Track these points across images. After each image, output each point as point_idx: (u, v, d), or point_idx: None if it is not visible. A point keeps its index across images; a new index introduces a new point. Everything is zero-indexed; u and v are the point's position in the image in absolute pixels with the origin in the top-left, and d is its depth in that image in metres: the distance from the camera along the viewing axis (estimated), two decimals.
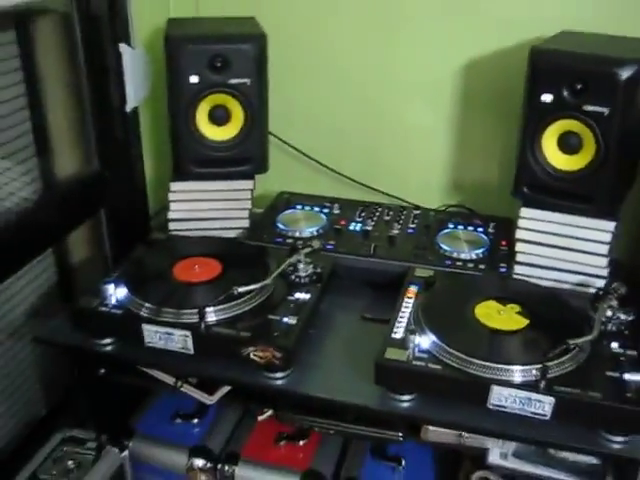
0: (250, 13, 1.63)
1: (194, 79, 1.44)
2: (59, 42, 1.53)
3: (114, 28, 1.51)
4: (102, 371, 1.45)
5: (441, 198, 1.79)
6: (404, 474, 1.50)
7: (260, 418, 1.38)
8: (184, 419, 1.61)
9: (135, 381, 1.44)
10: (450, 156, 1.76)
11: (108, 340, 1.33)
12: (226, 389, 1.39)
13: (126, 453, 1.51)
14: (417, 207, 1.71)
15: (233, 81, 1.46)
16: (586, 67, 1.28)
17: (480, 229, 1.60)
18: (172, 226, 1.60)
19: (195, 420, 1.60)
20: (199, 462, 1.51)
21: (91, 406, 1.54)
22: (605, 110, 1.27)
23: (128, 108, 1.60)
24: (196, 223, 1.60)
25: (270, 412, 1.38)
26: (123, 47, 1.53)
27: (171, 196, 1.57)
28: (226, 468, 1.48)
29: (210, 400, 1.39)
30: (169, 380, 1.41)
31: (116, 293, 1.32)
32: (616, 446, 1.13)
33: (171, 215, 1.59)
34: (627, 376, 1.14)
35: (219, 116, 1.51)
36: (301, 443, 1.54)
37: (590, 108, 1.29)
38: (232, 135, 1.53)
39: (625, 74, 1.24)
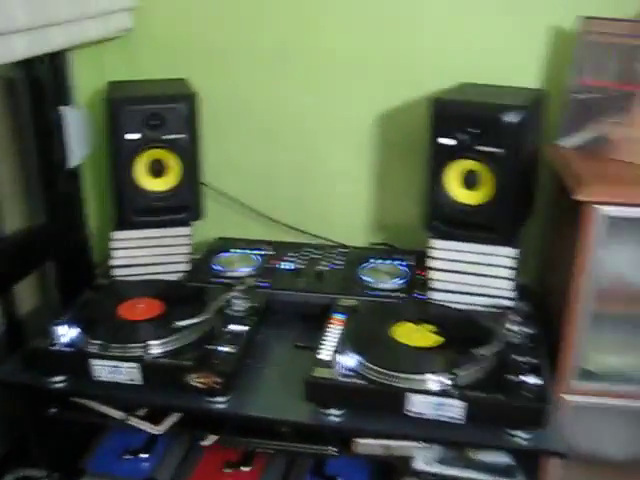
0: (182, 75, 1.78)
1: (133, 136, 1.58)
2: (5, 105, 1.65)
3: (57, 92, 1.64)
4: (53, 410, 1.53)
5: (366, 237, 1.95)
6: None
7: (204, 443, 1.48)
8: (133, 454, 1.68)
9: (85, 418, 1.53)
10: (372, 198, 1.92)
11: (59, 378, 1.42)
12: (172, 419, 1.50)
13: None
14: (343, 246, 1.87)
15: (168, 137, 1.60)
16: (480, 114, 1.46)
17: (399, 262, 1.76)
18: (116, 272, 1.70)
19: (144, 455, 1.68)
20: None
21: (43, 446, 1.59)
22: (498, 150, 1.46)
23: (71, 165, 1.72)
24: (138, 269, 1.71)
25: (214, 438, 1.47)
26: (65, 109, 1.66)
27: (114, 244, 1.68)
28: None
29: (157, 430, 1.49)
30: (118, 415, 1.50)
31: (67, 333, 1.42)
32: (522, 442, 1.28)
33: (114, 262, 1.70)
34: (527, 380, 1.30)
35: (157, 169, 1.64)
36: (246, 469, 1.65)
37: (485, 149, 1.47)
38: (169, 186, 1.66)
39: (514, 118, 1.43)
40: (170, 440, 1.73)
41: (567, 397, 1.58)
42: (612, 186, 1.43)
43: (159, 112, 1.58)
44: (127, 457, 1.68)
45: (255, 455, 1.68)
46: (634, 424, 1.66)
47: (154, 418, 1.51)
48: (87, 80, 1.77)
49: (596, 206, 1.41)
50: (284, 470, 1.68)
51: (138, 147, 1.60)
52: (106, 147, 1.64)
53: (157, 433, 1.49)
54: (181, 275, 1.73)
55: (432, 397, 1.27)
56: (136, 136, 1.58)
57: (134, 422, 1.51)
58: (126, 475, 1.64)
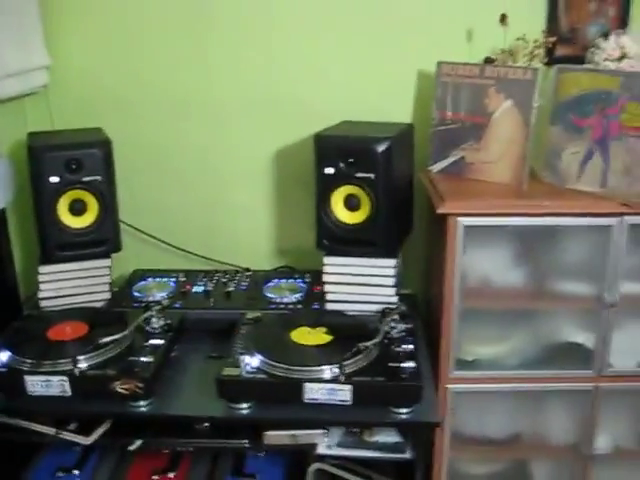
0: (96, 124, 1.99)
1: (54, 179, 1.77)
2: None
3: None
4: None
5: (269, 262, 2.18)
6: None
7: (131, 448, 1.64)
8: (66, 472, 1.81)
9: (19, 437, 1.66)
10: (272, 227, 2.17)
11: None
12: (101, 430, 1.66)
13: None
14: (248, 269, 2.09)
15: (86, 179, 1.80)
16: (353, 146, 1.73)
17: (299, 280, 1.99)
18: (43, 304, 1.87)
19: (76, 472, 1.81)
20: None
21: None
22: (371, 175, 1.72)
23: None
24: (64, 299, 1.88)
25: (139, 442, 1.64)
26: None
27: (40, 278, 1.85)
28: None
29: (87, 441, 1.64)
30: (50, 430, 1.66)
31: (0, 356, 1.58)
32: (403, 417, 1.51)
33: (41, 294, 1.86)
34: (403, 365, 1.54)
35: (77, 208, 1.82)
36: (171, 475, 1.80)
37: (361, 175, 1.72)
38: (89, 222, 1.84)
39: (381, 148, 1.70)
40: (100, 456, 1.87)
41: (449, 386, 1.83)
42: (467, 201, 1.71)
43: (77, 157, 1.77)
44: (60, 475, 1.80)
45: (180, 461, 1.84)
46: (509, 406, 1.92)
47: (84, 431, 1.66)
48: (9, 131, 1.95)
49: (455, 218, 1.68)
50: (207, 473, 1.84)
51: (59, 189, 1.78)
52: (29, 191, 1.81)
53: (87, 443, 1.63)
54: (104, 303, 1.90)
55: (324, 384, 1.50)
56: (57, 179, 1.77)
57: (65, 435, 1.65)
58: None
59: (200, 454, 1.86)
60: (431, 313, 1.95)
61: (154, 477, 1.79)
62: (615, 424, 1.91)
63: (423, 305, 2.09)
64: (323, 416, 1.53)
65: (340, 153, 1.73)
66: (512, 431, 1.95)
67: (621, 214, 1.67)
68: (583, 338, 1.83)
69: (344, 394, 1.50)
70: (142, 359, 1.59)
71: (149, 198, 2.14)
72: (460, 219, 1.68)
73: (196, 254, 2.16)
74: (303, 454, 1.69)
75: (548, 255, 1.78)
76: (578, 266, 1.78)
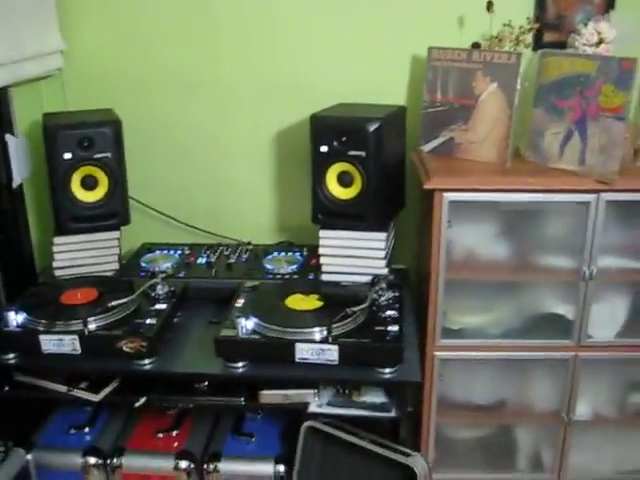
0: (108, 105, 2.12)
1: (67, 156, 1.89)
2: None
3: (0, 122, 1.95)
4: (6, 388, 1.80)
5: (271, 237, 2.30)
6: (256, 445, 1.91)
7: (137, 405, 1.77)
8: (77, 429, 1.96)
9: (33, 394, 1.79)
10: (273, 204, 2.29)
11: (12, 355, 1.72)
12: (109, 388, 1.79)
13: (30, 457, 1.85)
14: (250, 243, 2.21)
15: (98, 156, 1.92)
16: (346, 125, 1.83)
17: (297, 253, 2.11)
18: (57, 273, 2.00)
19: (87, 429, 1.96)
20: (91, 460, 1.86)
21: None
22: (363, 153, 1.82)
23: (14, 185, 2.02)
24: (77, 269, 2.01)
25: (144, 399, 1.77)
26: (8, 137, 1.97)
27: (55, 248, 1.98)
28: (114, 461, 1.85)
29: (96, 398, 1.77)
30: (62, 388, 1.79)
31: (16, 318, 1.72)
32: (387, 376, 1.63)
33: (56, 264, 2.00)
34: (388, 328, 1.66)
35: (89, 183, 1.95)
36: (174, 433, 1.93)
37: (353, 153, 1.83)
38: (100, 197, 1.97)
39: (372, 127, 1.80)
40: (109, 415, 2.01)
41: (437, 353, 1.94)
42: (453, 177, 1.82)
43: (89, 135, 1.90)
44: (72, 432, 1.95)
45: (183, 420, 1.97)
46: (494, 373, 2.03)
47: (93, 389, 1.79)
48: (26, 112, 2.07)
49: (441, 193, 1.79)
50: (208, 432, 1.97)
51: (72, 165, 1.91)
52: (44, 168, 1.94)
53: (96, 400, 1.76)
54: (113, 272, 2.03)
55: (313, 344, 1.62)
56: (70, 155, 1.89)
57: (76, 393, 1.78)
58: (72, 447, 1.90)
59: (201, 415, 1.99)
60: (421, 285, 2.06)
61: (159, 435, 1.93)
62: (594, 392, 2.01)
63: (415, 279, 2.19)
64: (312, 375, 1.65)
65: (334, 132, 1.83)
66: (497, 397, 2.05)
67: (598, 191, 1.77)
68: (563, 309, 1.93)
69: (331, 354, 1.62)
70: (147, 321, 1.72)
71: (157, 175, 2.26)
72: (446, 194, 1.79)
73: (201, 229, 2.28)
74: (296, 415, 1.80)
75: (530, 230, 1.89)
76: (558, 241, 1.88)
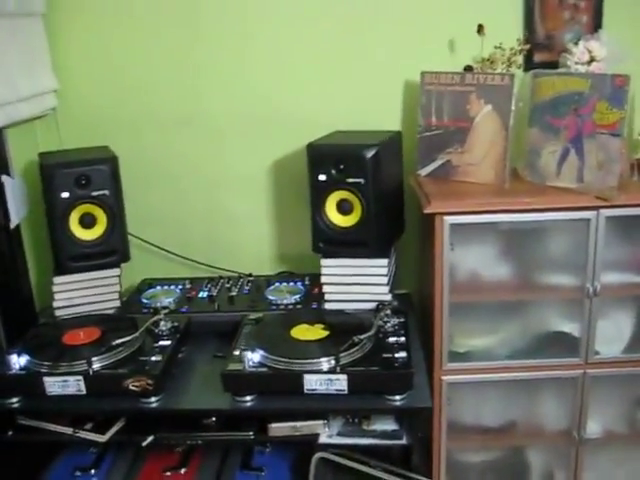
0: (103, 143, 2.11)
1: (65, 195, 1.88)
2: None
3: None
4: (10, 433, 1.76)
5: (271, 267, 2.29)
6: (266, 479, 1.86)
7: (144, 444, 1.74)
8: (83, 471, 1.91)
9: (38, 438, 1.76)
10: (272, 234, 2.28)
11: (15, 399, 1.69)
12: (116, 428, 1.76)
13: None
14: (250, 275, 2.20)
15: (95, 193, 1.92)
16: (344, 153, 1.84)
17: (298, 283, 2.10)
18: (58, 313, 1.98)
19: (92, 471, 1.91)
20: None
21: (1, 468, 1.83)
22: (361, 180, 1.82)
23: (12, 226, 2.00)
24: (77, 308, 1.99)
25: (151, 437, 1.74)
26: (4, 178, 1.96)
27: (55, 288, 1.97)
28: None
29: (102, 439, 1.74)
30: (67, 430, 1.76)
31: (19, 360, 1.69)
32: (397, 403, 1.61)
33: (56, 304, 1.98)
34: (396, 355, 1.65)
35: (87, 221, 1.94)
36: (183, 471, 1.90)
37: (352, 180, 1.83)
38: (99, 234, 1.96)
39: (369, 154, 1.80)
40: (115, 456, 1.98)
41: (444, 377, 1.93)
42: (452, 200, 1.82)
43: (86, 173, 1.90)
44: (78, 474, 1.90)
45: (191, 458, 1.94)
46: (503, 395, 2.01)
47: (99, 430, 1.76)
48: (21, 152, 2.07)
49: (442, 217, 1.79)
50: (217, 468, 1.94)
51: (70, 204, 1.90)
52: (41, 207, 1.93)
53: (102, 441, 1.74)
54: (114, 310, 2.02)
55: (322, 375, 1.60)
56: (67, 194, 1.88)
57: (82, 434, 1.75)
58: None
59: (210, 451, 1.96)
60: (425, 309, 2.05)
61: (167, 474, 1.89)
62: (604, 409, 2.00)
63: (417, 303, 2.19)
64: (322, 405, 1.63)
65: (331, 160, 1.84)
66: (506, 419, 2.04)
67: (597, 207, 1.77)
68: (569, 327, 1.92)
69: (340, 383, 1.60)
70: (152, 358, 1.70)
71: (154, 211, 2.26)
72: (446, 218, 1.79)
73: (200, 262, 2.27)
74: (307, 447, 1.77)
75: (532, 249, 1.89)
76: (561, 259, 1.88)
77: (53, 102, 2.15)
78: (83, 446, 1.92)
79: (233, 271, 2.25)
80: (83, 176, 1.90)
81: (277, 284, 2.10)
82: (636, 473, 2.07)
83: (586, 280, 1.84)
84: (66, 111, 2.18)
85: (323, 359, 1.62)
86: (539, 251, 1.89)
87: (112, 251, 1.99)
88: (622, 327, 1.94)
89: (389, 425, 1.74)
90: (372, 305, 1.92)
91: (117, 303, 2.03)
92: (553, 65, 2.02)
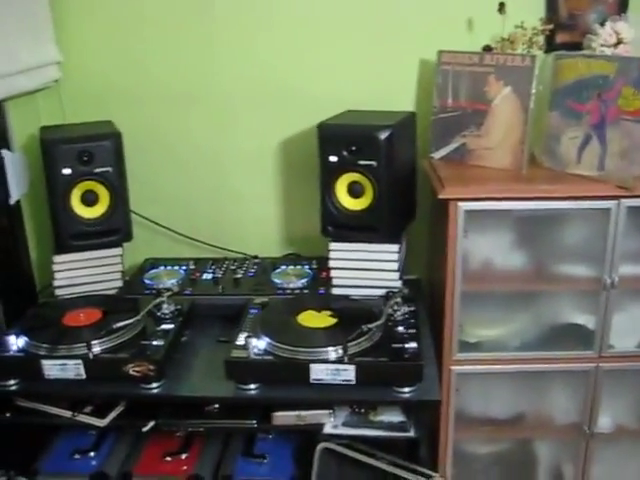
0: (107, 117, 2.05)
1: (67, 171, 1.82)
2: None
3: None
4: (7, 415, 1.72)
5: (277, 249, 2.23)
6: (268, 467, 1.83)
7: (144, 429, 1.69)
8: (82, 454, 1.87)
9: (36, 420, 1.72)
10: (279, 215, 2.22)
11: (12, 381, 1.64)
12: (115, 412, 1.72)
13: None
14: (256, 257, 2.14)
15: (98, 170, 1.85)
16: (356, 134, 1.76)
17: (305, 266, 2.04)
18: (58, 292, 1.93)
19: (92, 453, 1.87)
20: None
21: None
22: (374, 163, 1.75)
23: (12, 201, 1.95)
24: (78, 287, 1.94)
25: (152, 423, 1.69)
26: (4, 152, 1.89)
27: (55, 267, 1.91)
28: None
29: (102, 423, 1.70)
30: (66, 413, 1.72)
31: (17, 342, 1.64)
32: (406, 395, 1.56)
33: (56, 283, 1.92)
34: (406, 345, 1.59)
35: (89, 198, 1.88)
36: (183, 456, 1.86)
37: (364, 162, 1.76)
38: (101, 213, 1.90)
39: (383, 136, 1.73)
40: (115, 438, 1.93)
41: (453, 367, 1.88)
42: (467, 186, 1.76)
43: (89, 149, 1.83)
44: (77, 457, 1.87)
45: (192, 443, 1.90)
46: (513, 387, 1.96)
47: (99, 414, 1.72)
48: (23, 126, 2.00)
49: (456, 203, 1.73)
50: (218, 454, 1.90)
51: (72, 180, 1.84)
52: (42, 183, 1.87)
53: (102, 425, 1.69)
54: (116, 290, 1.96)
55: (329, 365, 1.55)
56: (69, 171, 1.82)
57: (81, 418, 1.70)
58: (77, 472, 1.83)
59: (211, 437, 1.92)
60: (435, 297, 1.99)
61: (167, 458, 1.85)
62: (616, 404, 1.95)
63: (427, 290, 2.13)
64: (328, 396, 1.58)
65: (343, 141, 1.77)
66: (515, 411, 1.99)
67: (618, 197, 1.71)
68: (584, 319, 1.87)
69: (348, 374, 1.55)
70: (154, 343, 1.65)
71: (159, 188, 2.19)
72: (460, 204, 1.72)
73: (205, 243, 2.21)
74: (310, 435, 1.73)
75: (549, 238, 1.82)
76: (578, 249, 1.82)
77: (56, 74, 2.07)
78: (81, 428, 1.88)
79: (238, 252, 2.19)
80: (85, 152, 1.83)
81: (283, 267, 2.04)
82: None
83: (603, 272, 1.78)
84: (70, 84, 2.11)
85: (331, 348, 1.57)
86: (555, 240, 1.83)
87: (114, 230, 1.93)
88: (637, 320, 1.87)
89: (396, 416, 1.69)
90: (381, 291, 1.86)
91: (119, 283, 1.98)
92: (576, 47, 1.94)
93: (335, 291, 1.90)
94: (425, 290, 2.12)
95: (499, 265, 1.85)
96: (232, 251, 2.20)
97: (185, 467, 1.82)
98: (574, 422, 1.95)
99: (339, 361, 1.55)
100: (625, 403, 1.97)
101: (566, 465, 2.02)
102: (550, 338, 1.89)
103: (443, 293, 1.82)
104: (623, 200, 1.71)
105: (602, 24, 1.80)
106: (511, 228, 1.84)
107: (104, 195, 1.89)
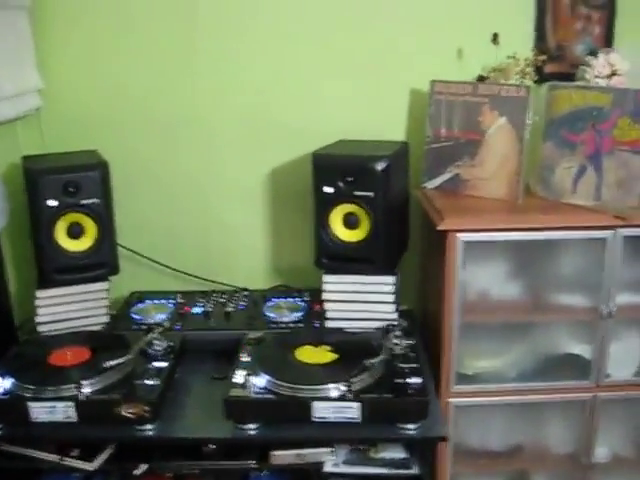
0: (90, 146, 1.98)
1: (52, 202, 1.75)
2: None
3: None
4: None
5: (265, 281, 2.18)
6: None
7: (136, 472, 1.62)
8: None
9: (21, 465, 1.63)
10: (267, 246, 2.17)
11: None
12: (105, 455, 1.64)
13: None
14: (246, 289, 2.08)
15: (85, 202, 1.78)
16: (352, 164, 1.74)
17: (298, 299, 2.00)
18: (41, 329, 1.85)
19: None
20: None
21: None
22: (371, 194, 1.73)
23: None
24: (62, 324, 1.86)
25: (145, 466, 1.62)
26: None
27: (38, 302, 1.83)
28: None
29: (91, 467, 1.62)
30: (52, 457, 1.63)
31: (3, 383, 1.56)
32: (411, 432, 1.52)
33: (39, 319, 1.84)
34: (409, 380, 1.55)
35: (75, 231, 1.81)
36: None
37: (360, 193, 1.73)
38: (87, 246, 1.83)
39: (380, 167, 1.71)
40: None
41: (451, 400, 1.84)
42: (466, 217, 1.74)
43: (75, 180, 1.76)
44: None
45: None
46: (510, 418, 1.94)
47: (87, 456, 1.64)
48: (2, 155, 1.93)
49: (455, 234, 1.71)
50: None
51: (57, 212, 1.77)
52: (23, 215, 1.80)
53: (91, 469, 1.62)
54: (102, 326, 1.89)
55: (332, 402, 1.50)
56: (55, 203, 1.75)
57: (68, 462, 1.62)
58: None
59: (203, 477, 1.84)
60: (428, 328, 1.96)
61: None
62: (613, 433, 1.94)
63: (420, 320, 2.10)
64: (331, 434, 1.53)
65: (339, 172, 1.74)
66: (513, 443, 1.96)
67: (615, 227, 1.71)
68: (581, 349, 1.86)
69: (353, 412, 1.51)
70: (147, 382, 1.58)
71: (143, 219, 2.13)
72: (459, 235, 1.70)
73: (192, 275, 2.15)
74: (306, 472, 1.68)
75: (545, 268, 1.82)
76: (574, 278, 1.81)
77: (37, 102, 2.01)
78: (65, 473, 1.78)
79: (226, 284, 2.14)
80: (72, 183, 1.77)
81: (275, 300, 1.99)
82: None
83: (600, 301, 1.78)
84: (50, 112, 2.05)
85: (333, 385, 1.52)
86: (551, 270, 1.82)
87: (101, 263, 1.86)
88: (634, 349, 1.87)
89: (398, 453, 1.66)
90: (377, 324, 1.83)
91: (105, 319, 1.90)
92: (564, 77, 1.95)
93: (329, 324, 1.86)
94: (417, 320, 2.08)
95: (495, 296, 1.84)
96: (219, 283, 2.14)
97: None
98: (571, 453, 1.94)
99: (342, 398, 1.50)
100: (622, 432, 1.96)
101: None
102: (547, 368, 1.87)
103: (440, 325, 1.80)
104: (619, 230, 1.71)
105: (595, 55, 1.81)
106: (507, 258, 1.83)
107: (90, 227, 1.83)
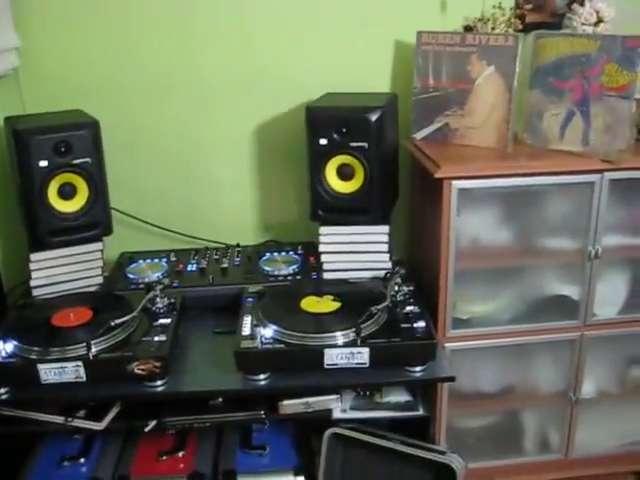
0: (71, 106, 1.93)
1: (43, 163, 1.71)
2: None
3: None
4: None
5: (254, 236, 2.18)
6: (270, 457, 1.79)
7: (147, 429, 1.63)
8: (71, 461, 1.78)
9: (25, 429, 1.63)
10: (256, 201, 2.17)
11: (2, 390, 1.54)
12: (112, 414, 1.64)
13: None
14: (238, 245, 2.09)
15: (76, 161, 1.75)
16: (346, 116, 1.74)
17: (291, 252, 2.01)
18: (36, 292, 1.82)
19: (82, 459, 1.78)
20: None
21: None
22: (365, 144, 1.74)
23: None
24: (57, 286, 1.83)
25: (154, 422, 1.63)
26: None
27: (32, 266, 1.80)
28: None
29: (99, 426, 1.62)
30: (58, 419, 1.63)
31: (5, 347, 1.54)
32: (418, 374, 1.57)
33: (34, 282, 1.81)
34: (415, 325, 1.59)
35: (67, 191, 1.77)
36: (180, 454, 1.80)
37: (354, 144, 1.75)
38: (80, 206, 1.79)
39: (374, 117, 1.72)
40: (104, 441, 1.85)
41: (446, 344, 1.89)
42: (461, 165, 1.77)
43: (66, 139, 1.72)
44: (66, 464, 1.77)
45: (186, 440, 1.84)
46: (502, 360, 2.00)
47: (93, 416, 1.64)
48: None
49: (450, 182, 1.74)
50: (214, 449, 1.84)
51: (49, 173, 1.72)
52: (7, 177, 1.76)
53: (100, 429, 1.62)
54: (97, 287, 1.87)
55: (343, 349, 1.53)
56: (46, 163, 1.71)
57: (76, 423, 1.62)
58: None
59: (204, 431, 1.86)
60: (421, 277, 2.00)
61: (163, 457, 1.79)
62: (599, 370, 2.02)
63: (411, 270, 2.13)
64: (342, 381, 1.56)
65: (333, 124, 1.74)
66: (505, 384, 2.03)
67: (602, 170, 1.76)
68: (569, 290, 1.92)
69: (362, 357, 1.54)
70: (155, 338, 1.58)
71: (129, 179, 2.09)
72: (455, 182, 1.73)
73: (181, 233, 2.13)
74: (309, 421, 1.71)
75: (533, 214, 1.86)
76: (562, 223, 1.87)
77: (14, 61, 1.94)
78: (66, 434, 1.81)
79: (215, 241, 2.13)
80: (62, 142, 1.72)
81: (269, 254, 2.00)
82: (626, 429, 2.11)
83: (587, 243, 1.84)
84: (29, 71, 1.98)
85: (342, 332, 1.55)
86: (540, 215, 1.87)
87: (94, 223, 1.83)
88: (618, 288, 1.95)
89: (402, 396, 1.71)
90: (372, 274, 1.86)
91: (100, 279, 1.89)
92: (545, 25, 1.98)
93: (326, 275, 1.88)
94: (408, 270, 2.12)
95: (487, 242, 1.88)
96: (208, 240, 2.13)
97: (182, 465, 1.77)
98: (560, 390, 2.02)
99: (352, 344, 1.53)
100: (607, 368, 2.05)
101: (552, 432, 2.09)
102: (537, 310, 1.94)
103: (435, 272, 1.84)
104: (606, 174, 1.77)
105: (581, 3, 1.84)
106: (498, 205, 1.87)
107: (83, 187, 1.79)
